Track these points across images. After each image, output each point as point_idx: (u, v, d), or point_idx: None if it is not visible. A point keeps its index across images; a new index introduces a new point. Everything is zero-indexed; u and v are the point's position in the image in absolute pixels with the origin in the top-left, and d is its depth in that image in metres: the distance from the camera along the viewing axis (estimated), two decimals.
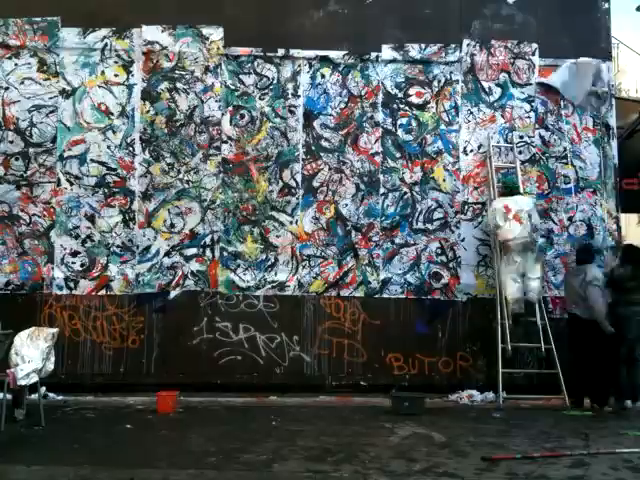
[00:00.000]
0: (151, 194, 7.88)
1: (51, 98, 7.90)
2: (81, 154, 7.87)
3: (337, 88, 8.07)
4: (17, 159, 7.84)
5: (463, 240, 7.96)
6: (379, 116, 8.07)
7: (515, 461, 4.96)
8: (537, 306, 7.41)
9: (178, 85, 7.98)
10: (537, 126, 8.11)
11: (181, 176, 7.91)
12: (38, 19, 7.93)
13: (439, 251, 7.95)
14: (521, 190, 7.65)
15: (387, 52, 8.10)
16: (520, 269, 7.25)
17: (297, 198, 7.95)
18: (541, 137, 8.11)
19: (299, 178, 7.96)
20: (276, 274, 7.84)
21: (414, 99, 8.11)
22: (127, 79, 7.97)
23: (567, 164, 8.09)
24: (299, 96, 8.05)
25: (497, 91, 8.14)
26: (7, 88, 7.89)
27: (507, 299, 7.27)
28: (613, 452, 5.24)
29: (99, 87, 7.94)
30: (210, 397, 7.37)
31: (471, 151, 8.08)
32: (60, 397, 7.25)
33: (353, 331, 7.79)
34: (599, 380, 7.01)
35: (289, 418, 6.46)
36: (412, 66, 8.13)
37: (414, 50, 8.12)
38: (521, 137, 8.08)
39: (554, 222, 8.02)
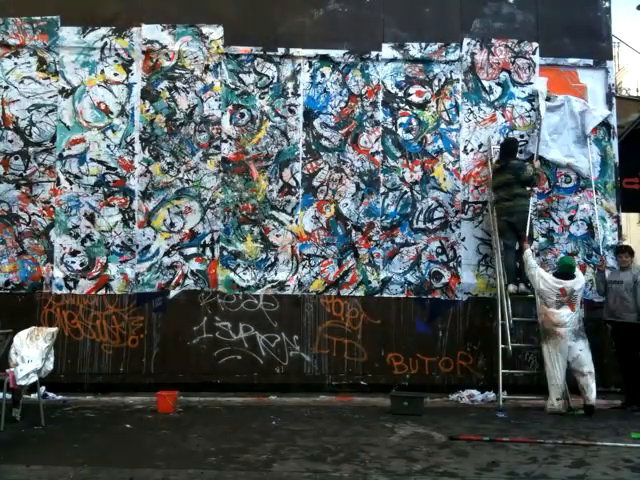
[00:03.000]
0: (151, 193, 7.86)
1: (51, 97, 7.89)
2: (81, 153, 7.86)
3: (337, 87, 8.06)
4: (17, 158, 7.83)
5: (463, 239, 7.95)
6: (379, 115, 8.05)
7: (515, 460, 4.95)
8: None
9: (178, 84, 7.97)
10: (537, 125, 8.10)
11: (181, 175, 7.89)
12: (38, 18, 7.92)
13: (439, 250, 7.94)
14: (576, 272, 7.09)
15: (387, 51, 8.09)
16: (571, 355, 6.85)
17: (297, 197, 7.93)
18: None
19: (299, 177, 7.95)
20: (276, 273, 7.83)
21: (414, 98, 8.10)
22: (127, 78, 7.95)
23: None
24: (299, 95, 8.03)
25: (497, 90, 8.14)
26: (7, 87, 7.87)
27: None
28: (593, 444, 5.41)
29: (99, 86, 7.93)
30: (210, 397, 7.38)
31: (471, 150, 8.07)
32: (60, 397, 7.23)
33: (353, 331, 7.78)
34: None
35: (289, 418, 6.44)
36: (412, 65, 8.12)
37: (414, 49, 8.11)
38: (522, 136, 8.07)
39: (555, 221, 8.02)
